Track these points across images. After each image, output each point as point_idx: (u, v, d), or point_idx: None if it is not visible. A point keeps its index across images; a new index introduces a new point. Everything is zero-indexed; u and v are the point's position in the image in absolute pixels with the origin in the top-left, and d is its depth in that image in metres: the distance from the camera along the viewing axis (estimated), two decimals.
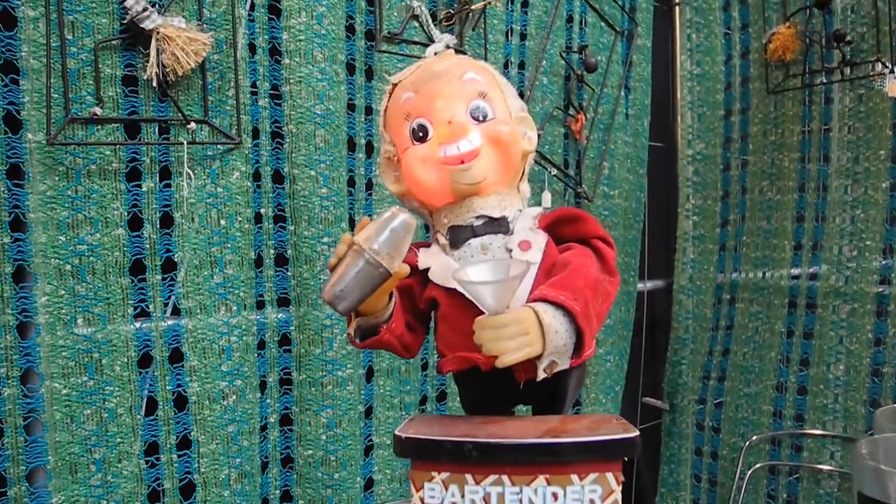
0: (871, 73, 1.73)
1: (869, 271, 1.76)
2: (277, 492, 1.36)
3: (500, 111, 0.80)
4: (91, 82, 1.09)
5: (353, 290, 0.69)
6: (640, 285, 2.06)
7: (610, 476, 0.57)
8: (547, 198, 1.71)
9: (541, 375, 0.66)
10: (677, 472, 2.12)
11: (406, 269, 0.72)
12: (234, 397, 1.26)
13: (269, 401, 1.33)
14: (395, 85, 0.85)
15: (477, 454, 0.57)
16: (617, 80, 1.87)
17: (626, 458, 0.57)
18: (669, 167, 2.11)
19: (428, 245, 0.85)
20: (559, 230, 0.79)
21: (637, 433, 0.58)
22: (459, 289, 0.68)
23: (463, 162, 0.76)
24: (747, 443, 1.96)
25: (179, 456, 1.22)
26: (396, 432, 0.61)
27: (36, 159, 1.05)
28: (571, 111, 1.77)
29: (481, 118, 0.78)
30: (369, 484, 1.45)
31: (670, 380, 2.15)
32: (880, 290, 1.75)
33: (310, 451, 1.35)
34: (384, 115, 0.87)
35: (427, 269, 0.79)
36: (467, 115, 0.78)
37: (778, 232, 1.95)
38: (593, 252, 0.77)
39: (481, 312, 0.65)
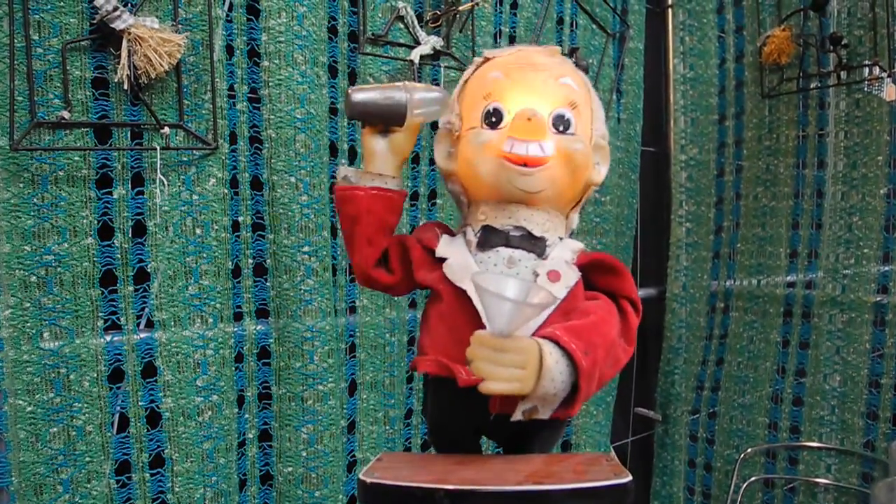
0: (868, 77, 1.69)
1: (866, 280, 1.73)
2: None
3: (582, 129, 0.74)
4: (58, 85, 1.04)
5: (368, 96, 0.76)
6: None
7: None
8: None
9: (517, 417, 0.60)
10: (670, 485, 2.08)
11: (415, 126, 0.78)
12: (210, 413, 1.21)
13: (247, 416, 1.28)
14: (486, 59, 0.79)
15: (449, 502, 0.52)
16: (608, 84, 1.83)
17: None
18: (662, 172, 2.07)
19: (451, 233, 0.79)
20: (593, 276, 0.73)
21: (630, 478, 0.53)
22: (471, 293, 0.63)
23: (526, 165, 0.70)
24: (742, 455, 1.91)
25: (152, 475, 1.17)
26: (361, 476, 0.55)
27: None
28: None
29: (562, 129, 0.72)
30: (352, 501, 1.40)
31: (663, 390, 2.10)
32: (878, 299, 1.71)
33: (290, 468, 1.30)
34: (462, 86, 0.80)
35: (442, 259, 0.74)
36: (549, 119, 0.72)
37: (773, 239, 1.91)
38: (619, 312, 0.72)
39: (482, 325, 0.60)
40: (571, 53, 1.70)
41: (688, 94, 2.02)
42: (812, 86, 1.81)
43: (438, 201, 1.45)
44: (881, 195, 1.70)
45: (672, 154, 2.04)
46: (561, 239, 0.75)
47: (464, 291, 0.66)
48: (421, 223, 1.32)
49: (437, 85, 0.77)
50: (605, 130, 0.79)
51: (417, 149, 1.33)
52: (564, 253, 0.73)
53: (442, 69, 1.45)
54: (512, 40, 1.61)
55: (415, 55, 1.40)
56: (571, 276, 0.71)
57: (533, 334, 0.63)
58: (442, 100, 0.78)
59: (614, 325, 0.68)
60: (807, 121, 1.84)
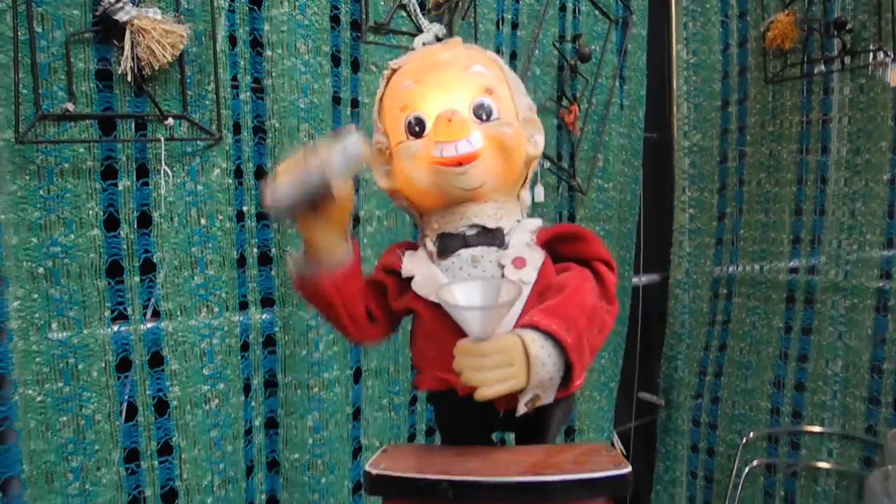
0: (872, 63, 1.69)
1: (869, 266, 1.73)
2: (263, 496, 1.32)
3: (505, 110, 0.74)
4: (62, 77, 1.05)
5: (292, 192, 0.67)
6: (634, 279, 2.02)
7: None
8: (540, 192, 1.67)
9: (521, 410, 0.61)
10: (673, 469, 2.10)
11: (347, 191, 0.69)
12: (217, 401, 1.22)
13: (253, 404, 1.29)
14: (393, 71, 0.78)
15: (453, 493, 0.52)
16: (611, 70, 1.82)
17: (617, 496, 0.53)
18: (665, 159, 2.06)
19: (415, 247, 0.79)
20: (558, 248, 0.73)
21: (629, 469, 0.53)
22: (443, 305, 0.63)
23: (460, 164, 0.69)
24: (744, 440, 1.93)
25: (161, 462, 1.18)
26: (367, 467, 0.56)
27: (5, 158, 1.00)
28: (565, 102, 1.73)
29: (485, 117, 0.71)
30: (357, 487, 1.41)
31: (666, 375, 2.11)
32: (881, 284, 1.71)
33: (296, 455, 1.31)
34: (379, 103, 0.79)
35: (409, 277, 0.74)
36: (470, 112, 0.71)
37: (776, 225, 1.91)
38: (593, 275, 0.71)
39: (463, 332, 0.60)
40: (574, 40, 1.70)
41: (691, 80, 2.01)
42: (816, 71, 1.80)
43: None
44: (884, 181, 1.70)
45: (675, 140, 2.04)
46: (519, 221, 0.74)
47: (438, 304, 0.66)
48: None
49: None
50: (529, 101, 0.78)
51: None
52: (523, 236, 0.72)
53: None
54: (514, 27, 1.61)
55: (417, 43, 1.40)
56: (537, 257, 0.71)
57: (515, 325, 0.63)
58: (358, 146, 0.68)
59: (591, 291, 0.67)
60: (810, 106, 1.84)
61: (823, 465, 1.81)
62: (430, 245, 0.74)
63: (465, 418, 0.70)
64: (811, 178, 1.84)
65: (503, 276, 0.69)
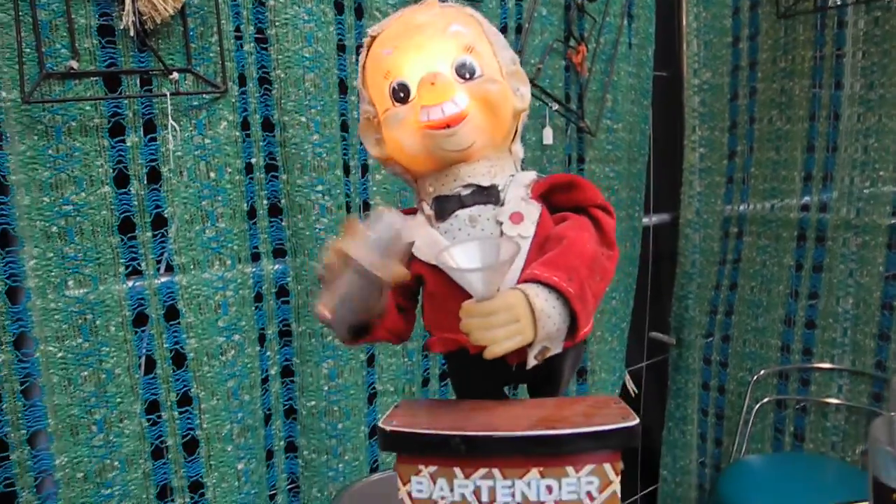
0: None
1: (881, 202, 1.72)
2: (282, 443, 1.36)
3: (488, 66, 0.73)
4: (65, 34, 1.04)
5: (347, 305, 0.65)
6: (645, 219, 2.02)
7: (608, 467, 0.54)
8: (548, 134, 1.66)
9: (531, 363, 0.62)
10: (684, 406, 2.13)
11: (405, 273, 0.68)
12: (233, 352, 1.24)
13: (268, 353, 1.32)
14: (372, 38, 0.77)
15: (465, 448, 0.54)
16: (619, 8, 1.78)
17: (624, 448, 0.54)
18: (675, 97, 2.04)
19: (414, 212, 0.79)
20: (554, 198, 0.73)
21: (637, 421, 0.55)
22: (445, 268, 0.63)
23: (448, 126, 0.68)
24: (755, 377, 1.95)
25: (181, 413, 1.21)
26: (380, 424, 0.58)
27: (13, 119, 1.00)
28: (572, 43, 1.70)
29: (468, 76, 0.71)
30: (373, 432, 1.45)
31: (677, 314, 2.13)
32: (892, 221, 1.71)
33: (312, 402, 1.34)
34: (362, 72, 0.78)
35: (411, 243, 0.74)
36: (453, 72, 0.70)
37: (787, 163, 1.89)
38: (591, 222, 0.71)
39: (468, 293, 0.61)
40: None
41: (701, 16, 1.97)
42: (829, 4, 1.76)
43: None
44: None
45: (685, 78, 2.01)
46: (512, 176, 0.74)
47: (440, 268, 0.66)
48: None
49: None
50: (511, 54, 0.77)
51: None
52: (518, 191, 0.72)
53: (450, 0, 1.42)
54: None
55: None
56: (533, 211, 0.71)
57: (518, 280, 0.64)
58: (388, 227, 0.66)
59: (590, 239, 0.68)
60: (823, 41, 1.80)
61: (833, 400, 1.84)
62: (427, 209, 0.74)
63: (479, 375, 0.71)
64: (823, 114, 1.82)
65: (502, 233, 0.69)
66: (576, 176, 0.75)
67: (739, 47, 1.96)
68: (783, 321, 1.94)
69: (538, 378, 0.72)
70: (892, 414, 0.51)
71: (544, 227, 0.70)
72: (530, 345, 0.61)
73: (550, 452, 0.54)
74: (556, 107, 1.65)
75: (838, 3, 1.74)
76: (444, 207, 0.73)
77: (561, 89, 1.69)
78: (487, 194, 0.72)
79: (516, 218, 0.70)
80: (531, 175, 0.74)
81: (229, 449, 1.25)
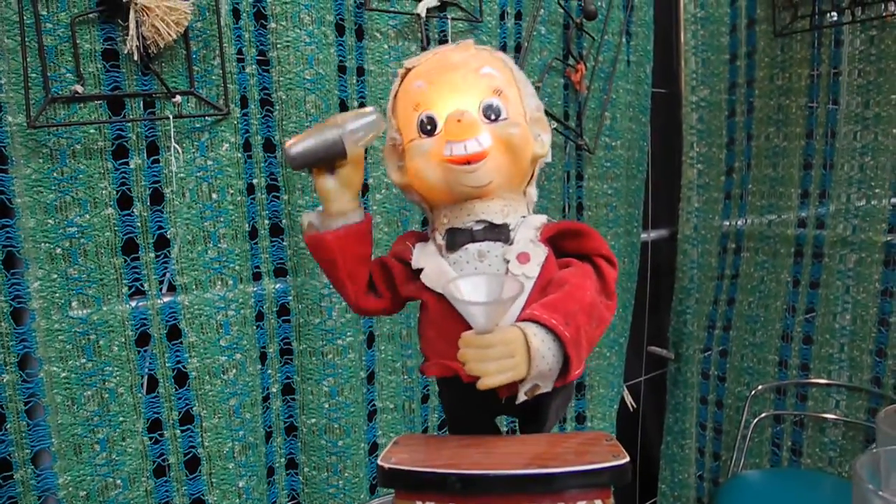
0: (884, 14, 1.67)
1: (877, 219, 1.74)
2: (283, 460, 1.37)
3: (514, 111, 0.76)
4: (70, 59, 1.05)
5: (304, 145, 0.75)
6: (643, 235, 2.04)
7: (599, 503, 0.55)
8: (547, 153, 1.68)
9: (521, 398, 0.64)
10: (682, 420, 2.14)
11: (359, 153, 0.76)
12: (235, 371, 1.25)
13: (269, 372, 1.33)
14: (407, 70, 0.80)
15: (461, 486, 0.55)
16: (618, 26, 1.80)
17: (616, 486, 0.55)
18: (673, 114, 2.05)
19: (424, 238, 0.82)
20: (561, 243, 0.75)
21: (627, 459, 0.56)
22: (450, 298, 0.65)
23: (469, 163, 0.71)
24: (752, 392, 1.96)
25: (183, 431, 1.22)
26: (379, 461, 0.59)
27: (18, 142, 1.02)
28: (571, 61, 1.72)
29: (493, 117, 0.73)
30: (373, 448, 1.46)
31: (675, 329, 2.14)
32: (888, 238, 1.72)
33: (313, 420, 1.35)
34: (393, 101, 0.82)
35: (419, 270, 0.77)
36: (479, 112, 0.73)
37: (784, 179, 1.91)
38: (594, 270, 0.74)
39: (468, 324, 0.63)
40: None
41: (699, 34, 1.99)
42: (826, 23, 1.78)
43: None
44: (894, 134, 1.70)
45: (683, 95, 2.02)
46: (524, 218, 0.77)
47: (443, 295, 0.69)
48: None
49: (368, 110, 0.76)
50: (537, 102, 0.80)
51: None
52: (528, 232, 0.75)
53: (449, 21, 1.44)
54: None
55: (421, 8, 1.39)
56: (540, 253, 0.73)
57: (518, 318, 0.66)
58: (375, 122, 0.77)
59: (591, 287, 0.70)
60: (820, 59, 1.82)
61: (830, 416, 1.85)
62: (440, 239, 0.77)
63: (469, 403, 0.73)
64: (820, 131, 1.84)
65: (507, 270, 0.71)
66: (584, 225, 0.77)
67: (737, 65, 1.98)
68: (781, 336, 1.95)
69: (525, 413, 0.73)
70: (880, 450, 0.52)
71: (549, 270, 0.72)
72: (522, 381, 0.63)
73: (543, 490, 0.56)
74: (554, 125, 1.67)
75: (834, 20, 1.76)
76: (456, 239, 0.75)
77: (560, 107, 1.71)
78: (498, 232, 0.74)
79: (523, 258, 0.72)
80: (541, 218, 0.77)
81: (230, 466, 1.26)
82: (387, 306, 0.84)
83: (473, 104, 0.73)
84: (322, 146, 0.75)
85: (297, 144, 0.76)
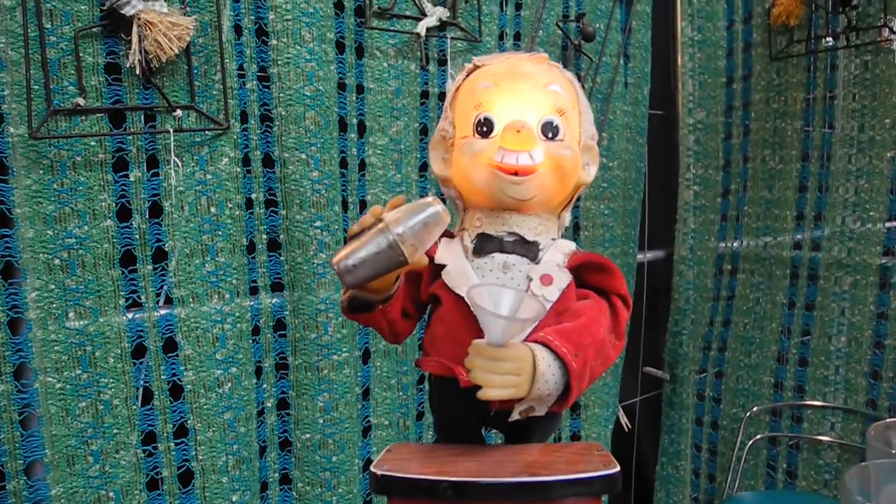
0: (878, 39, 1.69)
1: (872, 242, 1.74)
2: (276, 475, 1.37)
3: (570, 134, 0.76)
4: (72, 72, 1.07)
5: (364, 267, 0.66)
6: (640, 256, 2.04)
7: None
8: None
9: (514, 416, 0.64)
10: (678, 442, 2.13)
11: (425, 261, 0.70)
12: (230, 384, 1.26)
13: (265, 386, 1.33)
14: (475, 67, 0.80)
15: (452, 493, 0.56)
16: (616, 49, 1.82)
17: (606, 494, 0.56)
18: (670, 136, 2.07)
19: (451, 236, 0.81)
20: (584, 275, 0.76)
21: (618, 468, 0.57)
22: (468, 301, 0.66)
23: (517, 174, 0.72)
24: (748, 413, 1.96)
25: (177, 444, 1.22)
26: (372, 468, 0.60)
27: (19, 153, 1.03)
28: None
29: (550, 135, 0.74)
30: (368, 465, 1.46)
31: (671, 350, 2.14)
32: (883, 261, 1.73)
33: (308, 435, 1.35)
34: (454, 93, 0.81)
35: (442, 265, 0.76)
36: (538, 127, 0.74)
37: (780, 202, 1.92)
38: (609, 308, 0.74)
39: (479, 329, 0.63)
40: (578, 20, 1.70)
41: (696, 57, 2.01)
42: (821, 48, 1.80)
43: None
44: (888, 158, 1.71)
45: (680, 117, 2.04)
46: (554, 240, 0.77)
47: (462, 298, 0.69)
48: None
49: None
50: (593, 130, 0.81)
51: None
52: (556, 256, 0.75)
53: (448, 40, 1.46)
54: (518, 8, 1.61)
55: (421, 27, 1.41)
56: (563, 279, 0.73)
57: (529, 337, 0.66)
58: (436, 216, 0.67)
59: (604, 324, 0.71)
60: (815, 83, 1.84)
61: (825, 438, 1.85)
62: (468, 240, 0.77)
63: (459, 408, 0.74)
64: (815, 154, 1.85)
65: (529, 288, 0.71)
66: (609, 262, 0.78)
67: (733, 88, 2.00)
68: (776, 358, 1.95)
69: (512, 430, 0.74)
70: (869, 464, 0.52)
71: (568, 298, 0.73)
72: (520, 400, 0.63)
73: (535, 498, 0.56)
74: None
75: (829, 45, 1.78)
76: (485, 246, 0.75)
77: None
78: (527, 248, 0.75)
79: (546, 280, 0.72)
80: (571, 245, 0.77)
81: (224, 480, 1.26)
82: (416, 321, 0.84)
83: (534, 118, 0.74)
84: (383, 269, 0.67)
85: (346, 260, 0.66)
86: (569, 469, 0.56)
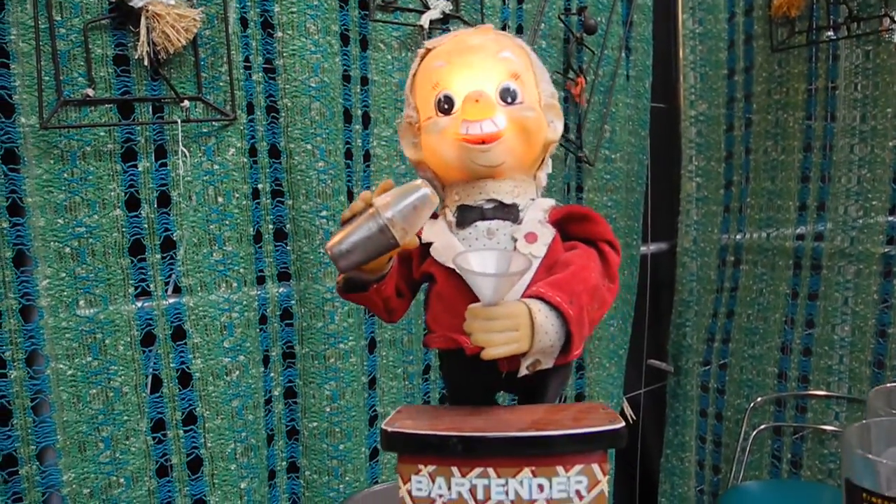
0: (879, 29, 1.70)
1: (875, 231, 1.75)
2: (284, 463, 1.38)
3: (529, 95, 0.77)
4: (82, 63, 1.08)
5: (357, 252, 0.68)
6: (643, 248, 2.05)
7: (596, 467, 0.57)
8: (548, 163, 1.70)
9: (522, 372, 0.66)
10: (682, 433, 2.14)
11: (415, 242, 0.72)
12: (238, 372, 1.27)
13: (272, 375, 1.34)
14: (428, 50, 0.82)
15: (462, 448, 0.57)
16: (617, 41, 1.84)
17: (611, 449, 0.57)
18: (672, 128, 2.08)
19: (435, 216, 0.83)
20: (568, 227, 0.77)
21: (623, 424, 0.58)
22: (459, 271, 0.67)
23: (484, 142, 0.73)
24: (752, 404, 1.97)
25: (186, 431, 1.23)
26: (383, 426, 0.61)
27: (30, 143, 1.04)
28: (571, 75, 1.75)
29: (510, 100, 0.75)
30: (374, 453, 1.47)
31: (675, 342, 2.15)
32: (886, 250, 1.74)
33: (314, 423, 1.37)
34: (412, 79, 0.83)
35: (429, 244, 0.78)
36: (496, 94, 0.75)
37: (782, 192, 1.93)
38: (598, 255, 0.75)
39: (477, 297, 0.65)
40: (580, 13, 1.72)
41: (697, 50, 2.02)
42: (822, 38, 1.81)
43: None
44: (890, 147, 1.72)
45: (682, 109, 2.05)
46: (533, 200, 0.79)
47: (453, 270, 0.70)
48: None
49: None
50: (552, 89, 0.82)
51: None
52: (537, 213, 0.76)
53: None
54: (520, 1, 1.63)
55: (424, 20, 1.42)
56: (547, 234, 0.75)
57: (523, 295, 0.68)
58: (424, 198, 0.69)
59: (594, 269, 0.72)
60: (817, 74, 1.85)
61: (830, 427, 1.85)
62: (450, 215, 0.78)
63: (471, 377, 0.75)
64: (817, 145, 1.86)
65: (515, 248, 0.73)
66: (590, 210, 0.79)
67: (735, 80, 2.01)
68: (780, 349, 1.96)
69: (525, 389, 0.75)
70: (867, 421, 0.54)
71: (555, 251, 0.74)
72: (524, 355, 0.65)
73: (542, 453, 0.57)
74: None
75: (830, 37, 1.79)
76: (466, 217, 0.77)
77: None
78: (508, 211, 0.76)
79: (531, 238, 0.74)
80: (550, 202, 0.78)
81: (232, 468, 1.27)
82: (410, 300, 0.85)
83: (491, 86, 0.75)
84: (375, 252, 0.69)
85: (339, 245, 0.68)
86: (574, 425, 0.58)
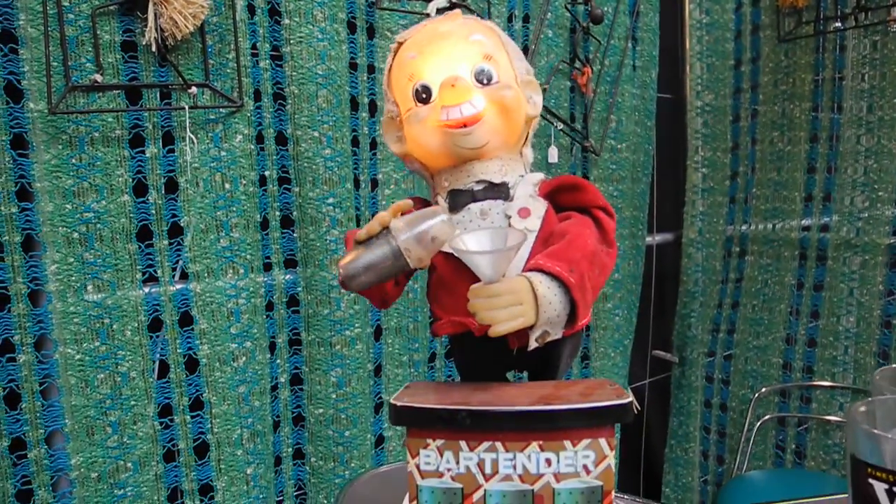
0: (887, 19, 1.69)
1: (881, 222, 1.75)
2: (290, 450, 1.39)
3: (505, 74, 0.78)
4: (90, 49, 1.09)
5: (368, 274, 0.68)
6: (648, 239, 2.06)
7: (603, 441, 0.57)
8: (553, 153, 1.70)
9: (532, 345, 0.66)
10: (687, 424, 2.15)
11: (427, 264, 0.72)
12: (244, 359, 1.28)
13: (278, 361, 1.35)
14: (399, 44, 0.83)
15: (470, 421, 0.58)
16: (624, 31, 1.84)
17: (618, 423, 0.57)
18: (678, 119, 2.08)
19: (428, 204, 0.83)
20: (559, 198, 0.78)
21: (630, 398, 0.58)
22: (457, 254, 0.68)
23: (465, 126, 0.73)
24: (756, 395, 1.97)
25: (192, 417, 1.24)
26: (392, 400, 0.61)
27: (39, 128, 1.05)
28: (577, 64, 1.75)
29: (486, 81, 0.75)
30: (380, 440, 1.48)
31: (679, 333, 2.16)
32: (892, 241, 1.74)
33: (320, 410, 1.37)
34: (388, 75, 0.83)
35: None
36: (472, 77, 0.75)
37: (788, 183, 1.93)
38: (593, 222, 0.76)
39: (478, 278, 0.65)
40: (586, 2, 1.71)
41: (703, 40, 2.02)
42: (830, 28, 1.80)
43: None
44: None
45: (688, 100, 2.05)
46: (522, 176, 0.79)
47: (451, 254, 0.71)
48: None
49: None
50: (527, 65, 0.82)
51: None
52: (527, 188, 0.77)
53: None
54: None
55: (431, 8, 1.41)
56: (540, 207, 0.75)
57: (523, 270, 0.68)
58: (441, 226, 0.68)
59: (591, 236, 0.72)
60: (824, 64, 1.85)
61: (834, 418, 1.86)
62: (442, 202, 0.79)
63: (482, 357, 0.75)
64: (824, 136, 1.86)
65: (510, 225, 0.74)
66: (580, 178, 0.79)
67: (741, 70, 2.01)
68: (785, 339, 1.96)
69: (538, 364, 0.75)
70: (872, 399, 0.54)
71: (549, 223, 0.74)
72: (532, 328, 0.65)
73: (549, 427, 0.57)
74: (561, 126, 1.70)
75: (838, 27, 1.79)
76: (458, 201, 0.77)
77: (566, 109, 1.74)
78: (498, 190, 0.76)
79: (524, 213, 0.74)
80: (539, 175, 0.79)
81: (239, 453, 1.28)
82: (402, 288, 0.86)
83: (466, 70, 0.75)
84: (387, 275, 0.68)
85: (355, 264, 0.67)
86: (582, 399, 0.58)
